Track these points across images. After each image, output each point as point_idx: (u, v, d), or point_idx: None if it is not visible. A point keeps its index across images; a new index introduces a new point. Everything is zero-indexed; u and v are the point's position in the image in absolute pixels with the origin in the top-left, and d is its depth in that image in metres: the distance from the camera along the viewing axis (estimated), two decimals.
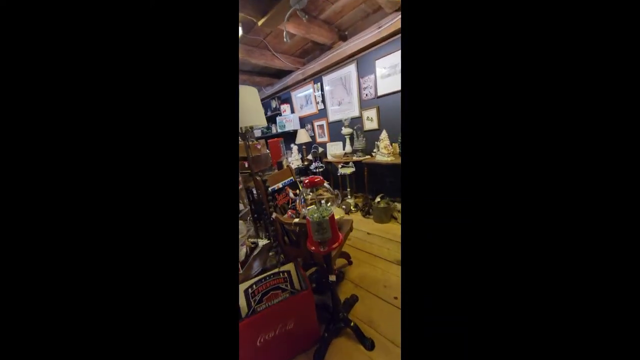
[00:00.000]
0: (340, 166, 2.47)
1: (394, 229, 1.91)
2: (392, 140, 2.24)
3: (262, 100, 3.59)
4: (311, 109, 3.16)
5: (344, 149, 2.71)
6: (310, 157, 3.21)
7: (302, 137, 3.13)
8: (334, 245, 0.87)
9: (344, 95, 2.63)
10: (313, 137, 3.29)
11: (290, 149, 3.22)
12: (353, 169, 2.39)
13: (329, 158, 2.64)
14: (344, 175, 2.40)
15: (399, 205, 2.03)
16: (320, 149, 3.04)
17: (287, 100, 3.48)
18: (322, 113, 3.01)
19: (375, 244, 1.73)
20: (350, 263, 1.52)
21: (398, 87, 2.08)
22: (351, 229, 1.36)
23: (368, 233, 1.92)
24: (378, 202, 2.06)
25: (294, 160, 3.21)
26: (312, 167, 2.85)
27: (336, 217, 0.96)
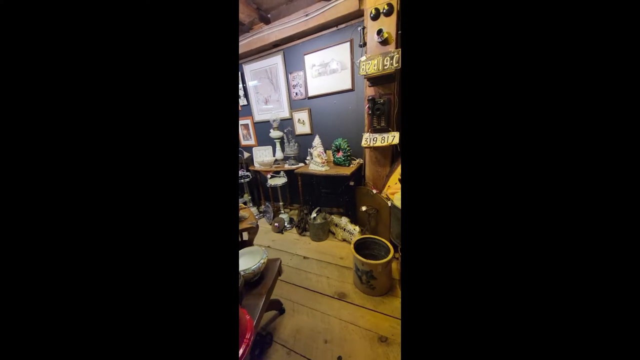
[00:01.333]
0: (269, 176, 2.05)
1: (333, 248, 1.71)
2: (326, 147, 2.04)
3: None
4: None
5: (274, 155, 2.30)
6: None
7: None
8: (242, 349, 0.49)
9: (272, 91, 2.22)
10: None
11: None
12: (285, 180, 2.03)
13: (256, 166, 2.17)
14: (274, 187, 2.01)
15: (335, 219, 1.85)
16: (247, 154, 2.50)
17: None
18: (246, 110, 2.47)
19: (313, 273, 1.45)
20: (282, 312, 1.16)
21: (330, 88, 1.89)
22: (280, 272, 1.01)
23: (304, 257, 1.63)
24: (314, 217, 1.81)
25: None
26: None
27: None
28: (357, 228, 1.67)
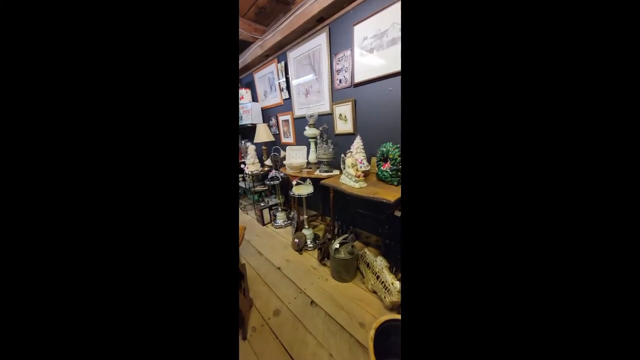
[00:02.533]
0: (294, 183, 1.72)
1: (355, 300, 1.18)
2: (369, 153, 1.48)
3: None
4: (275, 99, 2.37)
5: (307, 157, 1.95)
6: (268, 162, 2.45)
7: (262, 134, 2.35)
8: None
9: (312, 81, 1.85)
10: (277, 136, 2.52)
11: (246, 147, 2.46)
12: (310, 190, 1.64)
13: (287, 169, 1.89)
14: (299, 197, 1.65)
15: (369, 256, 1.30)
16: (283, 153, 2.28)
17: (250, 84, 2.68)
18: (288, 105, 2.23)
19: (312, 336, 1.00)
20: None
21: (385, 68, 1.31)
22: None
23: (312, 302, 1.19)
24: (337, 248, 1.32)
25: (250, 163, 2.45)
26: (268, 176, 2.11)
27: None
28: (398, 285, 1.07)
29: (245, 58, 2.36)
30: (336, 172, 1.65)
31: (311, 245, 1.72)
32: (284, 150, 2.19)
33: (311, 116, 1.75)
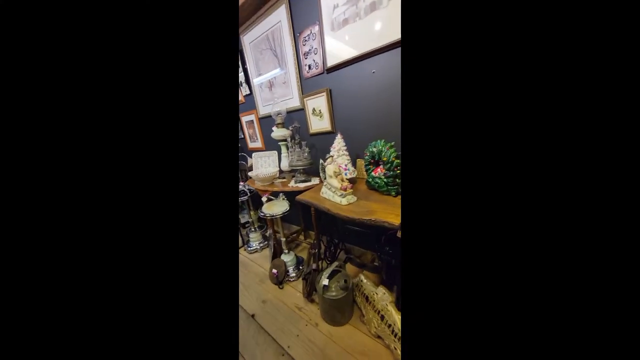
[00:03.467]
0: (264, 199, 1.35)
1: (359, 345, 0.88)
2: (354, 154, 1.19)
3: None
4: None
5: (278, 165, 1.59)
6: None
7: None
8: None
9: (277, 69, 1.49)
10: (242, 141, 2.11)
11: None
12: (285, 208, 1.30)
13: (255, 183, 1.51)
14: (271, 217, 1.30)
15: (367, 286, 1.01)
16: (251, 161, 1.89)
17: None
18: (250, 102, 1.84)
19: None
20: None
21: (364, 45, 1.01)
22: None
23: None
24: (326, 285, 1.00)
25: None
26: None
27: None
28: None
29: None
30: (315, 180, 1.33)
31: (294, 275, 1.38)
32: (253, 156, 1.80)
33: (278, 114, 1.40)
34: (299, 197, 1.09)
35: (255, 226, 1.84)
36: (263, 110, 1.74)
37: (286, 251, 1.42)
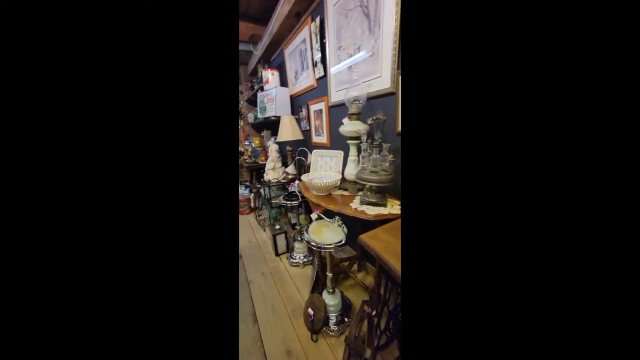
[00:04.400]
0: (314, 215, 0.99)
1: None
2: None
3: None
4: (307, 79, 1.68)
5: (341, 173, 1.18)
6: (290, 170, 1.80)
7: (286, 129, 1.72)
8: None
9: (364, 35, 1.05)
10: (307, 133, 1.85)
11: (267, 148, 1.90)
12: (341, 239, 0.88)
13: (306, 190, 1.18)
14: (318, 248, 0.93)
15: None
16: (311, 158, 1.59)
17: (281, 66, 2.08)
18: (323, 87, 1.50)
19: None
20: None
21: None
22: None
23: None
24: None
25: (269, 168, 1.88)
26: (289, 190, 1.49)
27: None
28: None
29: (271, 27, 1.76)
30: (395, 207, 0.84)
31: (335, 329, 0.98)
32: (317, 152, 1.49)
33: (354, 100, 0.98)
34: (364, 237, 0.65)
35: (302, 236, 1.56)
36: (335, 97, 1.36)
37: (331, 290, 1.04)
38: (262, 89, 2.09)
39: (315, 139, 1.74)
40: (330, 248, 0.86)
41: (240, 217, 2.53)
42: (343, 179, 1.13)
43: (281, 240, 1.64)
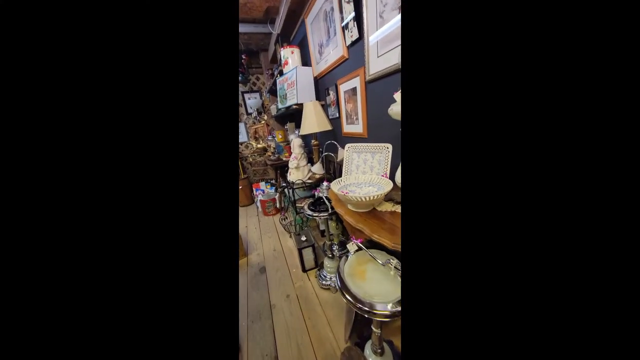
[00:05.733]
0: (352, 246, 0.66)
1: None
2: None
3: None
4: (336, 50, 1.29)
5: (390, 176, 0.80)
6: (316, 169, 1.48)
7: (311, 119, 1.39)
8: None
9: None
10: (337, 121, 1.48)
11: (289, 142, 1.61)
12: (396, 298, 0.54)
13: (338, 204, 0.85)
14: (356, 306, 0.61)
15: None
16: (342, 154, 1.24)
17: (303, 42, 1.72)
18: (357, 56, 1.10)
19: None
20: None
21: None
22: None
23: None
24: None
25: (293, 167, 1.60)
26: (315, 197, 1.19)
27: None
28: None
29: None
30: None
31: None
32: (348, 144, 1.13)
33: None
34: None
35: (334, 251, 1.25)
36: (376, 65, 0.96)
37: (379, 349, 0.71)
38: (281, 73, 1.78)
39: (347, 128, 1.36)
40: (384, 314, 0.52)
41: (266, 218, 2.37)
42: (394, 187, 0.76)
43: (308, 254, 1.37)
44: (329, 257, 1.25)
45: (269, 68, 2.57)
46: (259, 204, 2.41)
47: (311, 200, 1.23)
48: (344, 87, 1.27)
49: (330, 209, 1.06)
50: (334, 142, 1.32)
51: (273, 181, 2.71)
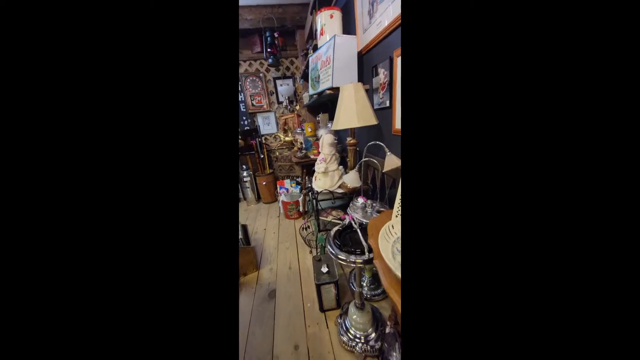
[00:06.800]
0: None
1: None
2: None
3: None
4: (395, 3, 0.84)
5: None
6: (350, 179, 1.08)
7: (349, 109, 0.99)
8: None
9: None
10: (386, 113, 1.05)
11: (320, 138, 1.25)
12: None
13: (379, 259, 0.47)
14: None
15: None
16: (395, 160, 0.82)
17: (348, 5, 1.29)
18: None
19: None
20: None
21: None
22: None
23: None
24: None
25: (320, 171, 1.25)
26: (343, 221, 0.84)
27: None
28: None
29: None
30: None
31: None
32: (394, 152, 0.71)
33: None
34: None
35: (361, 299, 0.88)
36: None
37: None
38: (315, 48, 1.40)
39: (398, 124, 0.93)
40: None
41: (287, 222, 2.11)
42: None
43: (329, 292, 1.03)
44: (357, 308, 0.89)
45: (304, 49, 2.21)
46: (281, 204, 2.16)
47: (339, 226, 0.87)
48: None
49: (368, 253, 0.68)
50: (379, 143, 0.91)
51: (299, 179, 2.43)
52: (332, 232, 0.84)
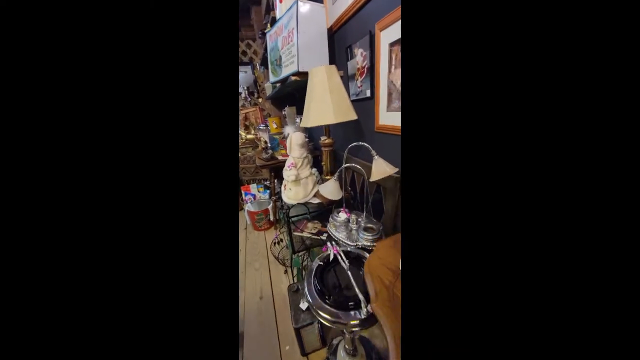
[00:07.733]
0: None
1: None
2: None
3: None
4: None
5: None
6: (327, 191, 0.86)
7: (321, 100, 0.75)
8: None
9: None
10: (369, 103, 0.85)
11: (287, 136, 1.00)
12: None
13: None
14: None
15: None
16: (387, 168, 0.63)
17: None
18: None
19: None
20: None
21: None
22: None
23: None
24: None
25: (289, 179, 1.00)
26: (324, 256, 0.61)
27: None
28: None
29: None
30: None
31: None
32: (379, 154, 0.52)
33: None
34: None
35: (353, 343, 0.70)
36: None
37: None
38: (274, 21, 1.11)
39: (386, 118, 0.74)
40: None
41: (256, 234, 1.81)
42: None
43: (311, 334, 0.82)
44: (349, 354, 0.70)
45: (262, 29, 1.86)
46: (247, 214, 1.84)
47: (319, 258, 0.65)
48: (387, 37, 0.63)
49: (365, 307, 0.48)
50: (363, 144, 0.71)
51: (267, 183, 2.13)
52: (313, 268, 0.62)
